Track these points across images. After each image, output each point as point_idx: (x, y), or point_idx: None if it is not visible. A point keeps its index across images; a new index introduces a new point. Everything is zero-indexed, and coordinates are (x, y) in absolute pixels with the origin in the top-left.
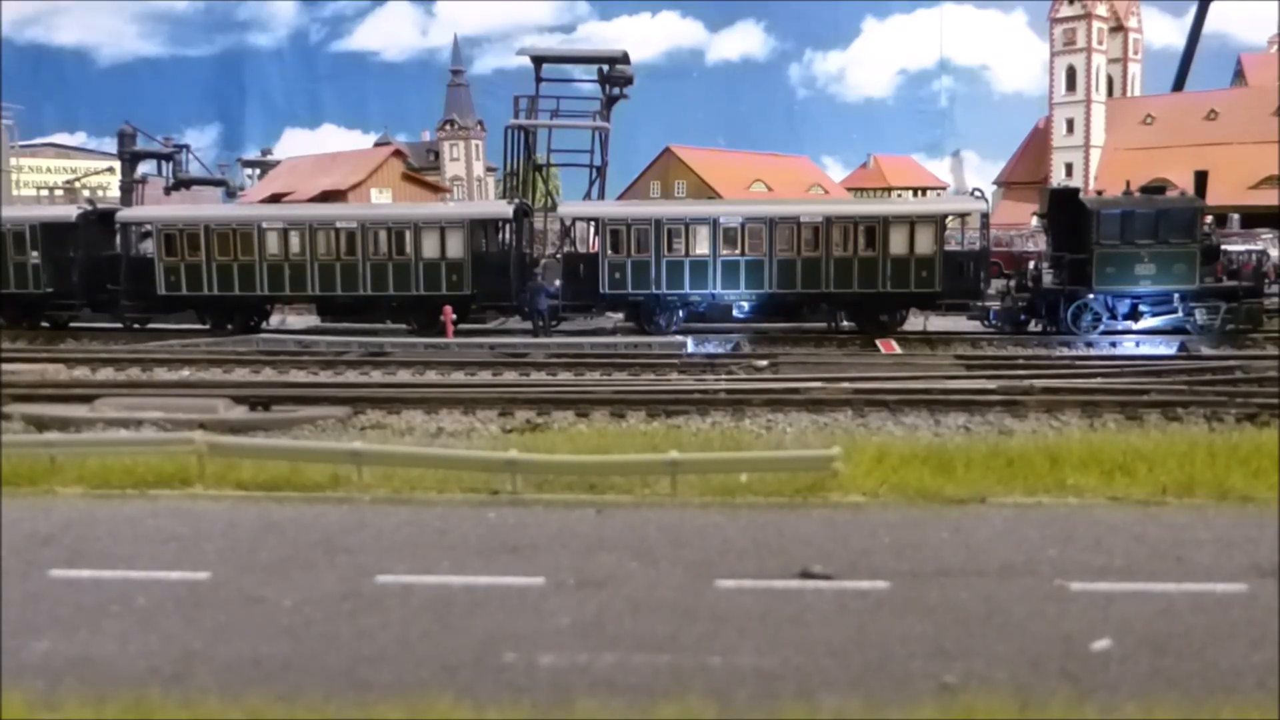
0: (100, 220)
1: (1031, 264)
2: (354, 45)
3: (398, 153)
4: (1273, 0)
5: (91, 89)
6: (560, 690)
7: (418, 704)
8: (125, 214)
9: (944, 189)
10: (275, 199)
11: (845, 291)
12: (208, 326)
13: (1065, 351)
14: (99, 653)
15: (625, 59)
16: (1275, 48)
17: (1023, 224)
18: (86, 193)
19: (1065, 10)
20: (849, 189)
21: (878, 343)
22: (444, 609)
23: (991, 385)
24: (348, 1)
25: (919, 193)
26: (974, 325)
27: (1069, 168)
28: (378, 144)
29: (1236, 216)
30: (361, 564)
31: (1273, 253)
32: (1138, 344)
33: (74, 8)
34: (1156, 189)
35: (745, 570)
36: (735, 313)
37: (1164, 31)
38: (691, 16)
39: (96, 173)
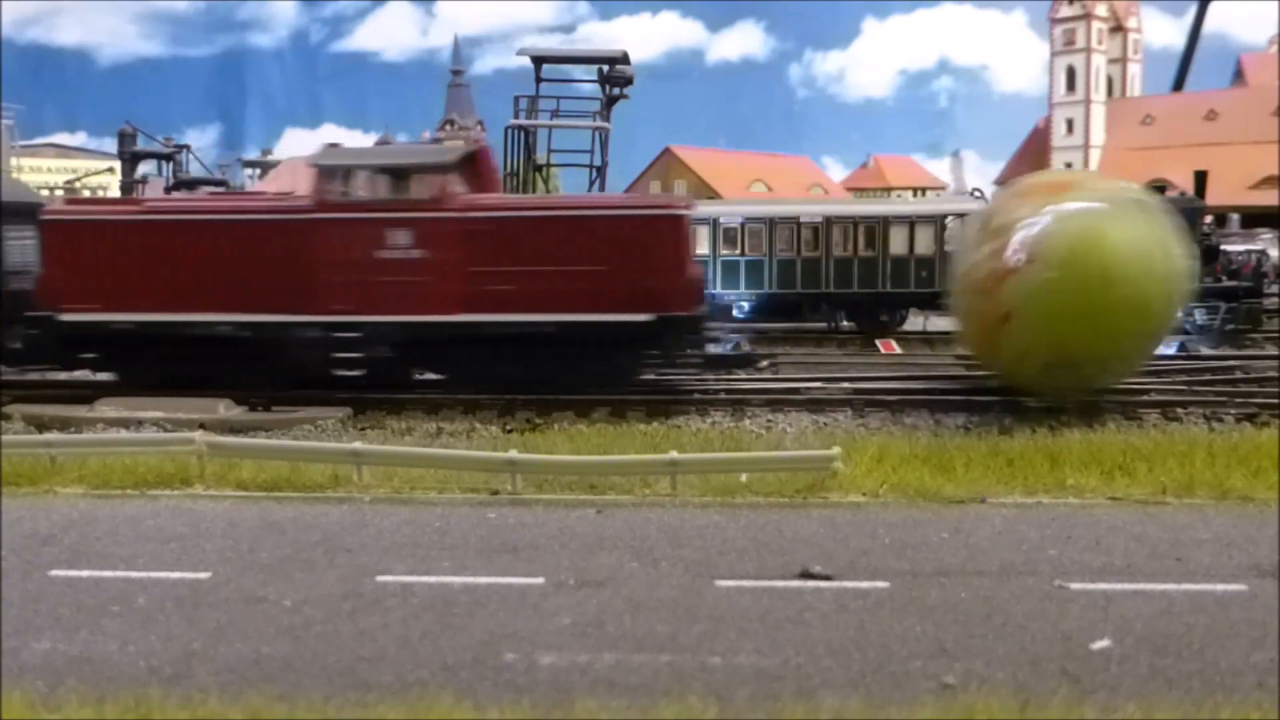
0: None
1: None
2: (354, 45)
3: None
4: (1273, 0)
5: (92, 89)
6: (560, 690)
7: (418, 704)
8: None
9: (944, 189)
10: None
11: (845, 291)
12: None
13: None
14: (99, 653)
15: (625, 59)
16: (1275, 48)
17: None
18: (86, 193)
19: (1065, 10)
20: (849, 189)
21: (878, 343)
22: (444, 609)
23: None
24: (348, 1)
25: (919, 193)
26: None
27: (1069, 168)
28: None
29: (1236, 216)
30: (362, 564)
31: (1272, 253)
32: None
33: (74, 8)
34: (1156, 189)
35: (745, 570)
36: (735, 313)
37: (1164, 31)
38: (691, 16)
39: (97, 173)
